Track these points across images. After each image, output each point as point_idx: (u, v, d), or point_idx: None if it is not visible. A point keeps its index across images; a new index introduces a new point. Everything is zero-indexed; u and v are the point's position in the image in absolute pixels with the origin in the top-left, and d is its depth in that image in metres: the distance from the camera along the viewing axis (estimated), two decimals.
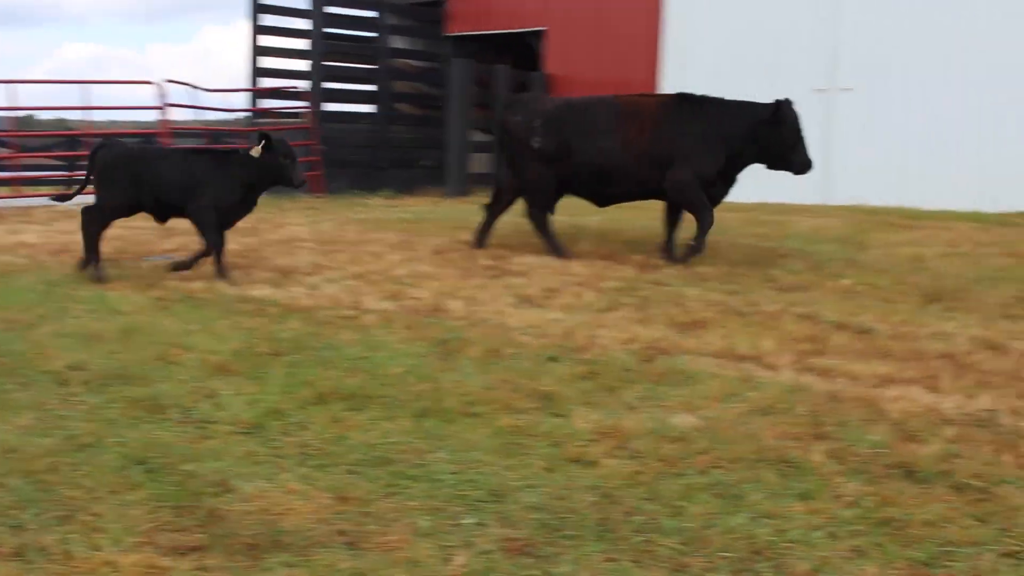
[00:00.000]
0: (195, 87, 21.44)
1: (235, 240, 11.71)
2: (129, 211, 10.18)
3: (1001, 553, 4.16)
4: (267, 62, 24.44)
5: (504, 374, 6.52)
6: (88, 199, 10.12)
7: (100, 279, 9.56)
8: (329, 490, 4.59)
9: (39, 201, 16.75)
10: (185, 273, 9.82)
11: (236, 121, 25.04)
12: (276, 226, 14.13)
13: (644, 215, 12.09)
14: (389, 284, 9.62)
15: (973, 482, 4.82)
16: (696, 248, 11.17)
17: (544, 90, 23.20)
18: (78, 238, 10.04)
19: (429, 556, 4.02)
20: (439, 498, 4.54)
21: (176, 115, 21.42)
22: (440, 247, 12.03)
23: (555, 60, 23.85)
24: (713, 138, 11.13)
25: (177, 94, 20.84)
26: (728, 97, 11.49)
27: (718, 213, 11.42)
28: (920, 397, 6.21)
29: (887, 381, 6.56)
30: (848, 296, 9.56)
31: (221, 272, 9.74)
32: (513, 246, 11.78)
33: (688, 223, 11.50)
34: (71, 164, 20.16)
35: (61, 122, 26.83)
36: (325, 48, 23.34)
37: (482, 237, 12.10)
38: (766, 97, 11.37)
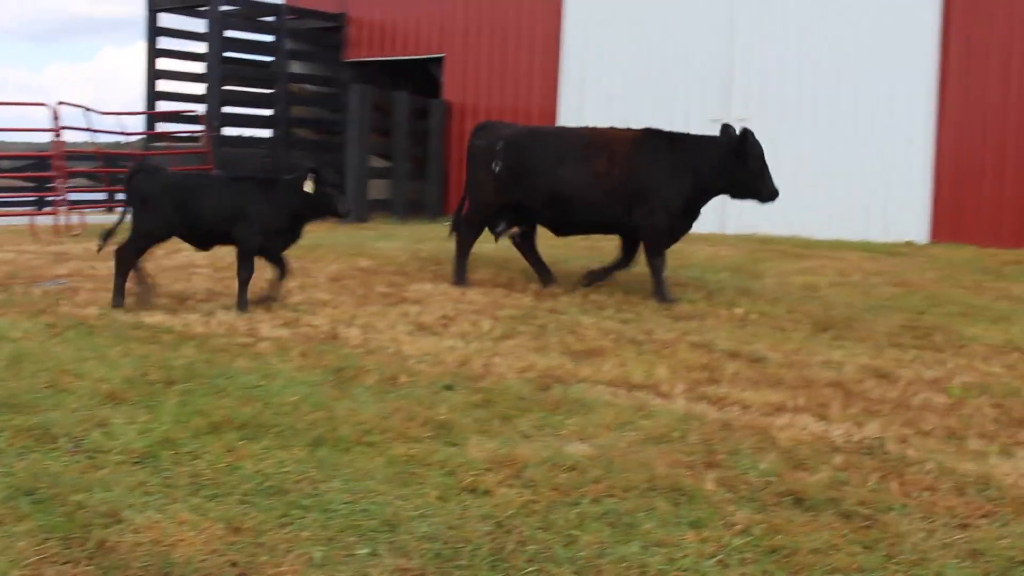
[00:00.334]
0: (89, 109, 21.15)
1: None
2: (167, 238, 10.02)
3: None
4: (164, 85, 24.24)
5: (399, 402, 6.52)
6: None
7: (120, 305, 9.53)
8: (221, 521, 4.55)
9: None
10: (78, 300, 9.68)
11: (131, 144, 24.73)
12: (171, 251, 13.94)
13: (542, 243, 12.11)
14: (285, 311, 9.56)
15: (860, 509, 4.91)
16: (659, 291, 10.97)
17: (443, 116, 23.30)
18: None
19: None
20: (332, 528, 4.52)
21: (70, 137, 21.10)
22: (337, 274, 11.98)
23: (454, 87, 23.91)
24: (682, 172, 11.03)
25: (71, 116, 20.58)
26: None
27: (614, 242, 11.51)
28: (810, 425, 6.31)
29: (778, 409, 6.67)
30: (742, 325, 9.69)
31: (242, 304, 9.66)
32: (410, 273, 11.78)
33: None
34: None
35: None
36: (223, 72, 23.15)
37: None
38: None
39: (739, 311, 10.23)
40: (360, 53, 25.43)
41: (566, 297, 10.77)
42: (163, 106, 24.03)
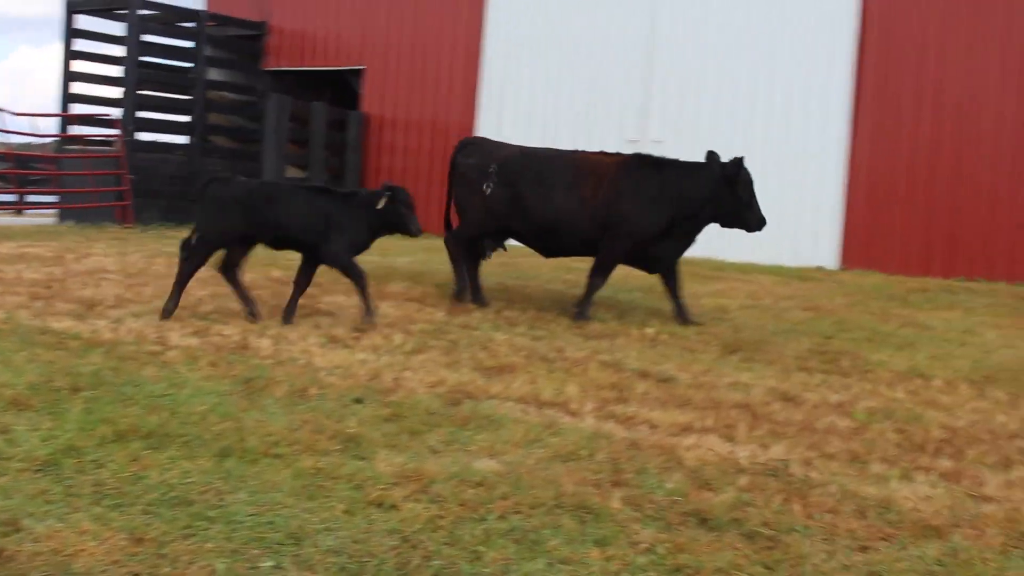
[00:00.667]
0: (2, 109, 20.85)
1: (38, 270, 11.42)
2: (229, 246, 9.89)
3: None
4: (80, 87, 23.93)
5: (308, 415, 6.48)
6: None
7: (169, 313, 9.51)
8: (124, 531, 4.49)
9: None
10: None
11: (43, 146, 24.39)
12: (81, 256, 13.81)
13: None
14: (195, 320, 9.49)
15: (763, 530, 4.96)
16: (581, 312, 10.99)
17: (361, 128, 23.26)
18: None
19: None
20: (237, 540, 4.48)
21: None
22: (249, 283, 11.84)
23: (373, 99, 23.91)
24: (663, 199, 11.00)
25: None
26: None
27: (529, 259, 11.54)
28: (716, 446, 6.38)
29: (685, 430, 6.72)
30: (652, 345, 9.77)
31: (369, 313, 9.79)
32: (323, 285, 11.71)
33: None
34: None
35: None
36: (139, 76, 22.91)
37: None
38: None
39: (650, 331, 10.31)
40: (280, 62, 25.35)
41: (479, 313, 10.80)
42: (77, 109, 23.71)
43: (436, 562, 4.39)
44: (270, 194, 9.91)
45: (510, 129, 21.61)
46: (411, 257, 13.29)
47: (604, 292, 11.15)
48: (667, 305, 11.38)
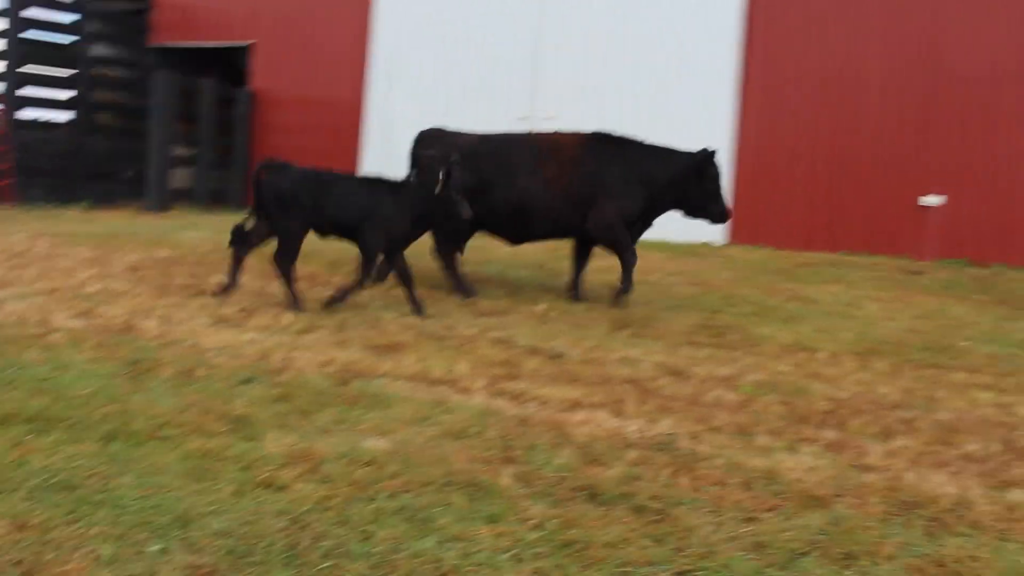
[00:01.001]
0: None
1: None
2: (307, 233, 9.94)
3: (675, 572, 4.35)
4: None
5: (196, 396, 6.42)
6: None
7: (300, 307, 9.57)
8: (6, 517, 4.41)
9: None
10: None
11: None
12: None
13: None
14: (80, 301, 9.32)
15: (651, 504, 5.02)
16: (624, 289, 11.07)
17: (249, 105, 23.01)
18: None
19: None
20: (123, 525, 4.42)
21: None
22: (136, 263, 11.73)
23: (262, 75, 23.64)
24: (635, 179, 11.06)
25: None
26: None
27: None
28: (605, 421, 6.43)
29: (575, 405, 6.77)
30: (542, 321, 9.81)
31: (416, 308, 9.80)
32: (212, 264, 11.59)
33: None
34: None
35: None
36: (21, 52, 22.40)
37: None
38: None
39: (540, 308, 10.36)
40: (167, 38, 24.93)
41: (368, 291, 10.74)
42: None
43: (326, 542, 4.37)
44: (322, 181, 9.90)
45: (400, 106, 21.56)
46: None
47: (493, 269, 11.20)
48: (557, 282, 11.43)
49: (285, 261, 9.68)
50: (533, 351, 8.42)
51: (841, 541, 4.71)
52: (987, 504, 5.30)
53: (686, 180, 11.08)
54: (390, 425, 6.06)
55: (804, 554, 4.58)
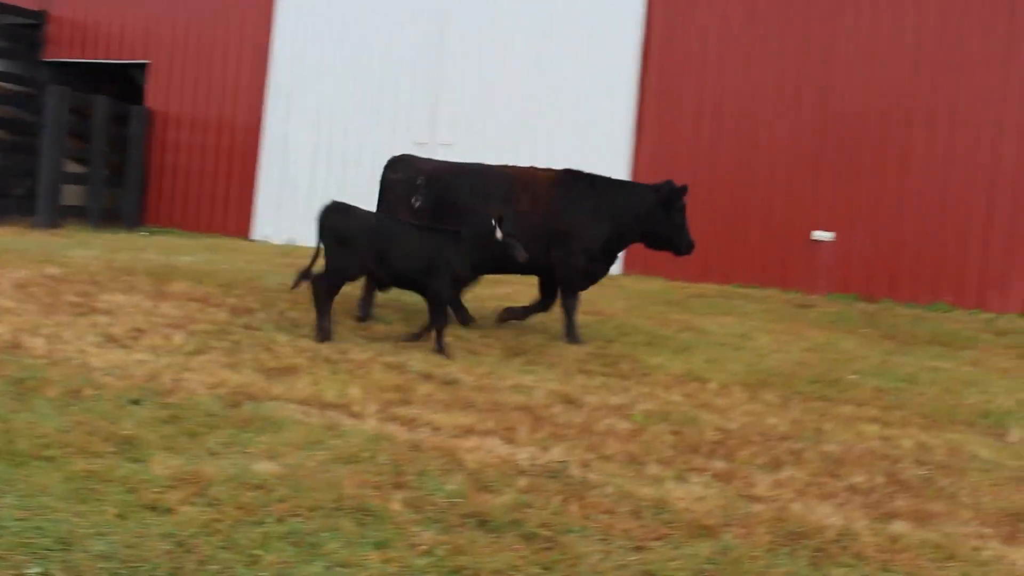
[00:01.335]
0: None
1: None
2: (359, 277, 10.03)
3: None
4: None
5: (82, 416, 6.30)
6: None
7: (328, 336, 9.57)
8: None
9: None
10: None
11: None
12: None
13: (239, 257, 11.96)
14: None
15: (541, 531, 5.03)
16: (568, 332, 10.94)
17: (144, 123, 22.74)
18: None
19: None
20: (3, 546, 4.33)
21: None
22: (23, 280, 11.48)
23: (157, 95, 23.34)
24: (602, 215, 10.99)
25: None
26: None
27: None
28: (497, 448, 6.44)
29: (467, 432, 6.77)
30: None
31: (441, 349, 9.58)
32: (102, 283, 11.41)
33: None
34: None
35: None
36: None
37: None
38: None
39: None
40: (61, 53, 24.52)
41: (262, 313, 10.64)
42: None
43: (212, 566, 4.32)
44: (387, 229, 9.93)
45: (298, 127, 21.45)
46: (193, 257, 13.04)
47: (388, 295, 11.12)
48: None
49: (323, 292, 9.67)
50: (426, 376, 8.41)
51: (728, 571, 4.77)
52: (871, 536, 5.40)
53: (653, 213, 11.09)
54: (280, 449, 6.01)
55: None
